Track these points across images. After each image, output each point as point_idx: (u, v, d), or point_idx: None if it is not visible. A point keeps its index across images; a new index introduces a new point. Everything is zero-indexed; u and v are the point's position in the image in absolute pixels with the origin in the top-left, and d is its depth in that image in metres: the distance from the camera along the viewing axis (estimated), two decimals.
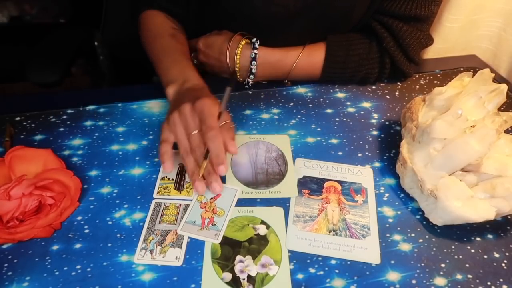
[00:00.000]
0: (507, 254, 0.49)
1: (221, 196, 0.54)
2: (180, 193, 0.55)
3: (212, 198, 0.54)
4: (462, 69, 0.79)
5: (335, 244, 0.49)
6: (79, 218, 0.51)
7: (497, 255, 0.49)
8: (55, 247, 0.48)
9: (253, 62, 0.69)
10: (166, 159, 0.53)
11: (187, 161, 0.54)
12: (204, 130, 0.53)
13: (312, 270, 0.47)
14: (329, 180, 0.57)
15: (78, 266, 0.46)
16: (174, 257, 0.47)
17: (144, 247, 0.48)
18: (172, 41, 0.70)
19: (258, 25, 0.70)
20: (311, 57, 0.71)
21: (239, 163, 0.59)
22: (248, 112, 0.68)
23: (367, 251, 0.49)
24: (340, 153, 0.61)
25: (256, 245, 0.49)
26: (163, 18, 0.74)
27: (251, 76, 0.70)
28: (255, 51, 0.69)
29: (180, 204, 0.53)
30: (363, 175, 0.58)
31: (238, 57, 0.69)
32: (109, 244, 0.48)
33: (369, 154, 0.61)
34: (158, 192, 0.55)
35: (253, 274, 0.46)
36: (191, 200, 0.54)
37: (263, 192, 0.55)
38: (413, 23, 0.69)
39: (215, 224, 0.51)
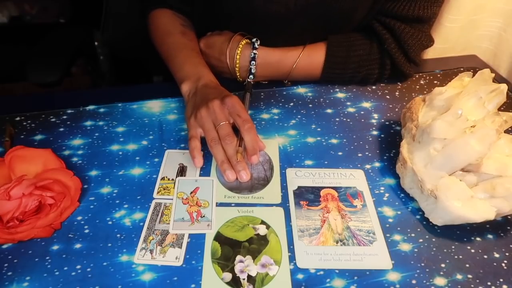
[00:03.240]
0: (507, 254, 0.49)
1: (200, 189, 0.55)
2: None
3: (192, 193, 0.54)
4: (462, 69, 0.79)
5: (345, 255, 0.48)
6: (79, 218, 0.51)
7: (497, 255, 0.49)
8: (55, 247, 0.48)
9: (253, 62, 0.69)
10: (196, 154, 0.56)
11: (216, 150, 0.56)
12: (240, 123, 0.56)
13: (312, 270, 0.47)
14: (324, 187, 0.56)
15: (78, 266, 0.46)
16: (174, 257, 0.47)
17: (144, 247, 0.48)
18: (183, 39, 0.71)
19: (259, 25, 0.70)
20: (311, 58, 0.70)
21: None
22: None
23: (378, 257, 0.48)
24: (340, 153, 0.61)
25: (256, 245, 0.49)
26: (172, 16, 0.75)
27: (251, 76, 0.70)
28: (254, 51, 0.69)
29: None
30: (356, 178, 0.57)
31: (238, 57, 0.69)
32: (109, 244, 0.48)
33: (369, 154, 0.61)
34: (158, 192, 0.55)
35: (253, 274, 0.46)
36: (172, 199, 0.54)
37: (246, 197, 0.54)
38: (415, 24, 0.69)
39: (204, 216, 0.51)
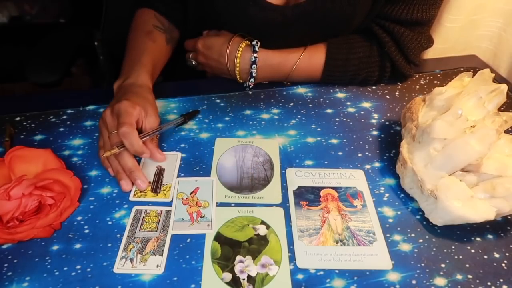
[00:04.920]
0: (507, 254, 0.49)
1: (199, 189, 0.55)
2: (157, 195, 0.54)
3: (192, 193, 0.54)
4: (462, 69, 0.79)
5: (345, 255, 0.48)
6: (79, 218, 0.51)
7: (497, 255, 0.49)
8: (55, 247, 0.48)
9: (253, 65, 0.69)
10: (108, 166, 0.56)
11: (110, 160, 0.56)
12: (117, 128, 0.54)
13: (312, 270, 0.47)
14: (324, 187, 0.56)
15: (78, 266, 0.46)
16: (155, 265, 0.46)
17: (124, 256, 0.47)
18: (144, 38, 0.69)
19: (256, 31, 0.69)
20: (311, 60, 0.70)
21: (225, 167, 0.58)
22: (248, 112, 0.68)
23: (378, 257, 0.48)
24: (340, 153, 0.61)
25: (256, 245, 0.49)
26: (151, 16, 0.73)
27: (252, 80, 0.70)
28: (255, 55, 0.68)
29: (161, 210, 0.52)
30: (356, 178, 0.57)
31: (238, 60, 0.69)
32: (109, 244, 0.48)
33: (369, 154, 0.61)
34: (134, 195, 0.54)
35: (253, 274, 0.46)
36: (171, 201, 0.53)
37: (246, 197, 0.54)
38: (414, 27, 0.69)
39: (204, 216, 0.51)
